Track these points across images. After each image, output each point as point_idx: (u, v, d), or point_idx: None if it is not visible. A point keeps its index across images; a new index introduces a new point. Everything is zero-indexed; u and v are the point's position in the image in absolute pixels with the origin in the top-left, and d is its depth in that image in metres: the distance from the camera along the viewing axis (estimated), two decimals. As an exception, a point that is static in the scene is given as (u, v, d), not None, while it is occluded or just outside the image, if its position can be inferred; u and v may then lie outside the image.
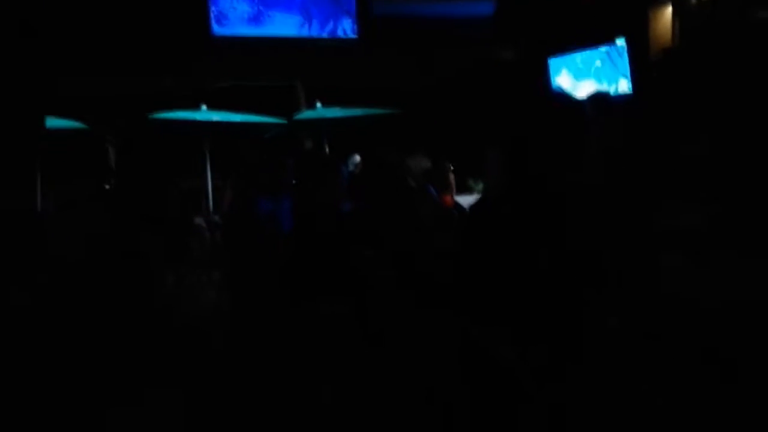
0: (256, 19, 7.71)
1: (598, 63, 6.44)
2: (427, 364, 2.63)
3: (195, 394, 3.21)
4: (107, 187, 4.19)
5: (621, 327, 1.80)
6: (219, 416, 3.04)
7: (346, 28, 7.98)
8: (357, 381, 3.03)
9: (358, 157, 7.35)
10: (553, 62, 6.89)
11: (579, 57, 6.63)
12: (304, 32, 7.87)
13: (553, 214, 1.67)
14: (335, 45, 7.96)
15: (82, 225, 3.75)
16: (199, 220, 6.08)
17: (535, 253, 1.65)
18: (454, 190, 6.78)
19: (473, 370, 1.72)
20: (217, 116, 6.20)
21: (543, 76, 6.76)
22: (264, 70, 7.89)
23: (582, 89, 6.26)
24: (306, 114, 7.07)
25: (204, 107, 6.19)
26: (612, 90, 6.11)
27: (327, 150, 7.19)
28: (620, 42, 6.07)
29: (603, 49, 6.31)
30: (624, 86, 6.17)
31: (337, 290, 3.28)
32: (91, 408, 3.01)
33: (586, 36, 6.36)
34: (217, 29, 7.54)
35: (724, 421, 2.09)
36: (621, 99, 5.91)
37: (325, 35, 7.95)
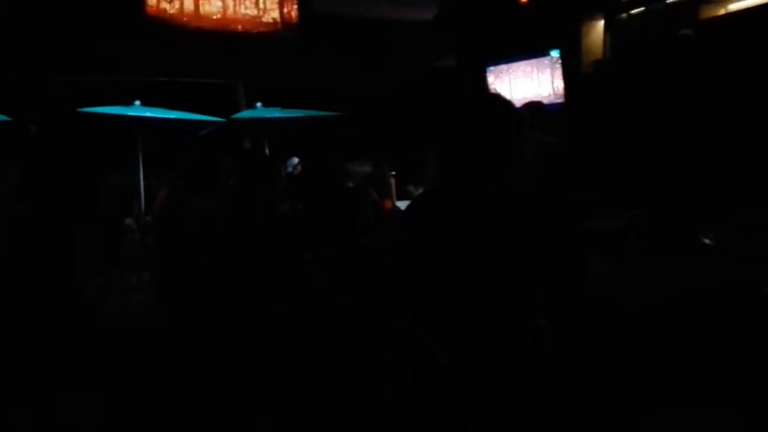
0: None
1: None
2: (362, 366, 2.63)
3: (117, 397, 3.10)
4: (31, 181, 4.00)
5: (550, 327, 1.84)
6: (140, 419, 2.95)
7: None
8: (291, 383, 3.00)
9: (296, 159, 7.28)
10: (491, 71, 7.03)
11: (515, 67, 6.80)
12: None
13: (494, 219, 1.70)
14: (274, 42, 7.84)
15: (3, 219, 3.57)
16: (129, 221, 5.87)
17: (478, 260, 1.67)
18: (395, 195, 6.82)
19: (409, 370, 1.72)
20: (150, 112, 5.99)
21: (481, 83, 6.89)
22: (200, 64, 7.67)
23: (517, 98, 6.42)
24: (245, 113, 6.94)
25: (137, 103, 5.97)
26: (545, 100, 6.28)
27: (266, 151, 7.09)
28: (554, 54, 6.26)
29: (538, 59, 6.49)
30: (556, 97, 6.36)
31: (273, 291, 3.24)
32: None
33: (522, 47, 6.52)
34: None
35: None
36: (554, 108, 6.09)
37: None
